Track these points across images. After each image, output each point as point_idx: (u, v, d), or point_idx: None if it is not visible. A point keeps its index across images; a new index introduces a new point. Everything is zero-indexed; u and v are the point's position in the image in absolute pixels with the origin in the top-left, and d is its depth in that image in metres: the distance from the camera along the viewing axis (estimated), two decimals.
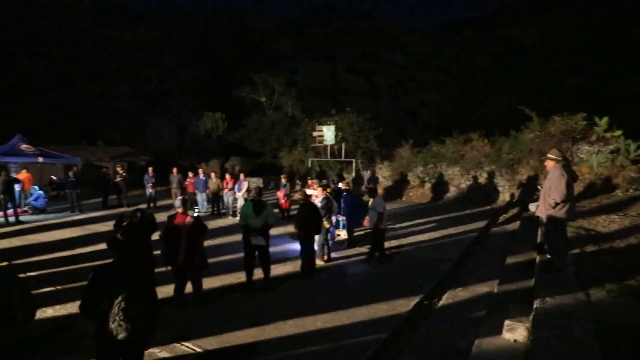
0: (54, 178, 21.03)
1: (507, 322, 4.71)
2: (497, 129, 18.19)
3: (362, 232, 11.62)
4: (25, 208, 15.54)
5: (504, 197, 16.82)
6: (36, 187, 16.29)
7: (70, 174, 16.07)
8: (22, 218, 14.09)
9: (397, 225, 12.43)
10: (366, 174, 21.40)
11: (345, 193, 10.66)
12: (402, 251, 9.78)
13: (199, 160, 27.33)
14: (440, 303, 6.61)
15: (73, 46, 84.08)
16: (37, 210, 15.54)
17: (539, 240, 7.56)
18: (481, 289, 6.97)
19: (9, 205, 13.80)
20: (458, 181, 18.34)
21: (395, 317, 5.99)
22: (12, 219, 13.70)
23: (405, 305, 6.40)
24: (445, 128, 23.67)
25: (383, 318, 5.96)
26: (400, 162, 20.35)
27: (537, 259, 6.53)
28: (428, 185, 19.10)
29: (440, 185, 18.59)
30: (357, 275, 8.07)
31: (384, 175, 20.85)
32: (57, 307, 6.28)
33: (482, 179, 17.63)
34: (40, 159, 16.82)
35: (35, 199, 15.74)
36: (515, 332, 4.60)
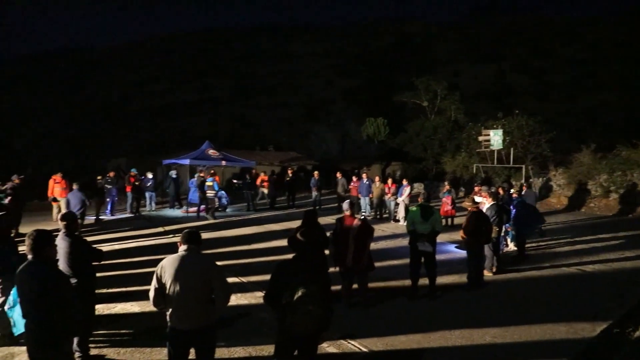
0: (234, 181, 23.62)
1: None
2: None
3: (534, 244, 10.72)
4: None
5: None
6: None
7: (247, 176, 17.87)
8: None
9: (576, 239, 11.14)
10: (537, 181, 19.67)
11: (517, 201, 9.95)
12: (583, 269, 8.73)
13: (361, 165, 27.98)
14: (637, 334, 5.71)
15: (247, 62, 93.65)
16: (220, 208, 17.58)
17: None
18: None
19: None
20: None
21: (577, 342, 5.35)
22: (202, 214, 15.79)
23: (589, 330, 5.69)
24: (635, 130, 20.53)
25: (561, 341, 5.39)
26: (578, 169, 18.22)
27: None
28: (614, 196, 16.74)
29: (630, 196, 16.13)
30: (528, 291, 7.41)
31: (559, 183, 18.89)
32: (239, 295, 6.99)
33: None
34: (223, 163, 18.98)
35: (219, 198, 17.81)
36: None
